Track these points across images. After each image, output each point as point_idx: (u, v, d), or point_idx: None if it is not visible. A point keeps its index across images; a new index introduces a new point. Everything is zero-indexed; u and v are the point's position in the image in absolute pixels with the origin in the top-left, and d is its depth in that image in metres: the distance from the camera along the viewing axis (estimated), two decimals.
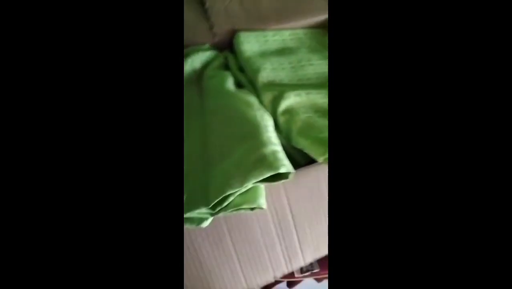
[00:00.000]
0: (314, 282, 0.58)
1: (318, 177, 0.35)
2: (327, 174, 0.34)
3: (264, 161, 0.29)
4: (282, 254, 0.35)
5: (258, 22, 0.47)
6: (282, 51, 0.45)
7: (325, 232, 0.36)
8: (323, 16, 0.48)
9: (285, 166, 0.29)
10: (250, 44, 0.45)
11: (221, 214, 0.29)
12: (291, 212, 0.34)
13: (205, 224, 0.29)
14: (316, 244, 0.37)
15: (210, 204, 0.28)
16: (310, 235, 0.36)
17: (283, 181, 0.30)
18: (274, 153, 0.30)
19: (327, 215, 0.36)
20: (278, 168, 0.28)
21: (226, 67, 0.46)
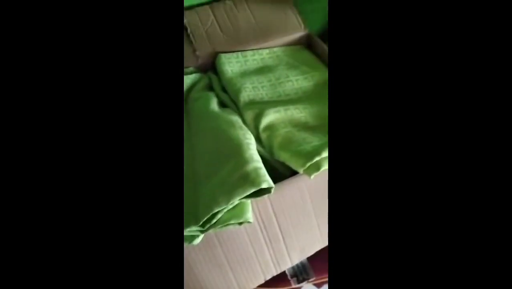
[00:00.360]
0: (314, 288, 0.59)
1: (301, 188, 0.37)
2: (309, 184, 0.37)
3: (247, 178, 0.31)
4: (271, 258, 0.38)
5: (238, 44, 0.50)
6: (261, 70, 0.48)
7: (309, 236, 0.39)
8: (298, 34, 0.51)
9: (267, 181, 0.31)
10: (231, 65, 0.48)
11: (211, 231, 0.32)
12: (277, 221, 0.37)
13: (196, 241, 0.32)
14: (301, 247, 0.39)
15: (200, 222, 0.31)
16: (295, 240, 0.38)
17: (267, 194, 0.32)
18: (256, 169, 0.32)
19: (311, 221, 0.38)
20: (260, 184, 0.31)
21: (210, 88, 0.48)
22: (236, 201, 0.31)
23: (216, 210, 0.30)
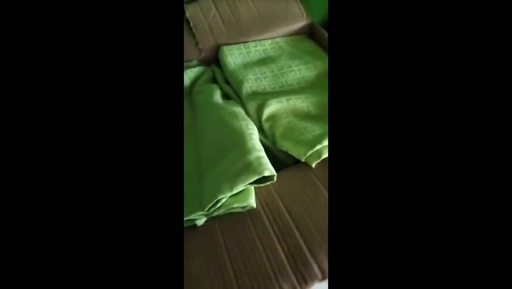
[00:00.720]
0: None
1: (306, 170, 0.36)
2: (314, 168, 0.37)
3: (250, 167, 0.32)
4: (287, 259, 0.30)
5: (240, 35, 0.50)
6: (263, 61, 0.48)
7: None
8: (300, 23, 0.51)
9: (269, 169, 0.32)
10: (234, 57, 0.48)
11: (215, 214, 0.33)
12: (285, 208, 0.34)
13: (200, 222, 0.33)
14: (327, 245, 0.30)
15: (205, 208, 0.32)
16: (316, 233, 0.31)
17: (269, 182, 0.33)
18: (258, 158, 0.33)
19: (326, 203, 0.32)
20: (262, 172, 0.32)
21: (213, 80, 0.49)
22: (239, 188, 0.32)
23: (219, 197, 0.32)
